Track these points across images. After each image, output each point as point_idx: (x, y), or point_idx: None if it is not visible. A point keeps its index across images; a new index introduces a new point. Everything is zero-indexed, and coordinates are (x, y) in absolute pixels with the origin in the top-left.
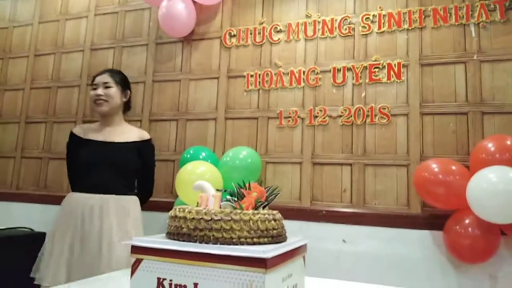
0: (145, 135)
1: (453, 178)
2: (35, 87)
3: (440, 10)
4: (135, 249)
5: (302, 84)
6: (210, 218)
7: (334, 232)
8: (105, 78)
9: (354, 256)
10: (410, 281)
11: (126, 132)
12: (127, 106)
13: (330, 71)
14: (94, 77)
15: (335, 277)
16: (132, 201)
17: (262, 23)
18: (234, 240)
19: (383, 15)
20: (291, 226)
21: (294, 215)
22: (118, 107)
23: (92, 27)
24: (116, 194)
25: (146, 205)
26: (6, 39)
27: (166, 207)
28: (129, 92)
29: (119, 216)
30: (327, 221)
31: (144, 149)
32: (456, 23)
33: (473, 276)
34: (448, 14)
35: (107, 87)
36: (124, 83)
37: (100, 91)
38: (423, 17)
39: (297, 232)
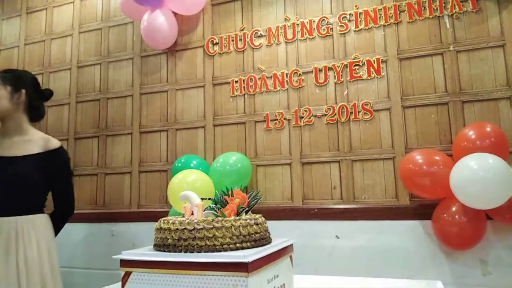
0: (51, 145)
1: (437, 168)
2: None
3: (414, 4)
4: (124, 263)
5: (286, 86)
6: (193, 228)
7: (327, 229)
8: None
9: (347, 251)
10: (404, 272)
11: (28, 144)
12: (34, 112)
13: (312, 71)
14: None
15: (330, 273)
16: (33, 221)
17: (242, 30)
18: (217, 247)
19: (360, 13)
20: (285, 226)
21: (287, 215)
22: (10, 111)
23: (77, 44)
24: (13, 215)
25: (141, 215)
26: None
27: (162, 216)
28: (23, 92)
29: (19, 240)
30: (320, 219)
31: (50, 161)
32: (431, 16)
33: (464, 262)
34: (422, 8)
35: None
36: (15, 82)
37: None
38: (398, 12)
39: (291, 232)
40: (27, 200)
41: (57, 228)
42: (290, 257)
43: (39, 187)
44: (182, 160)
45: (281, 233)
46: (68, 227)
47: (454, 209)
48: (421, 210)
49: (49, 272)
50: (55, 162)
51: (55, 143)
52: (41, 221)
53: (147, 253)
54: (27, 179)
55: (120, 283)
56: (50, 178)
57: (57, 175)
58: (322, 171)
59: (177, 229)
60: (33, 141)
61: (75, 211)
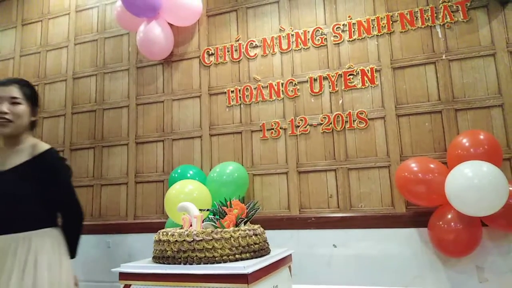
0: (38, 149)
1: (432, 176)
2: None
3: (407, 14)
4: (123, 275)
5: (282, 96)
6: (192, 240)
7: (324, 237)
8: (13, 91)
9: (345, 260)
10: (401, 280)
11: (19, 154)
12: (33, 125)
13: (307, 81)
14: None
15: (328, 282)
16: (35, 239)
17: (238, 40)
18: (216, 258)
19: (353, 24)
20: (282, 235)
21: (284, 224)
22: (24, 128)
23: (73, 56)
24: (13, 232)
25: (138, 226)
26: None
27: (159, 227)
28: (37, 109)
29: (16, 261)
30: (317, 228)
31: (38, 166)
32: (423, 26)
33: (461, 269)
34: (415, 18)
35: (14, 103)
36: (34, 98)
37: (5, 107)
38: (391, 22)
39: (288, 241)
40: (23, 215)
41: (69, 240)
42: (289, 267)
43: (33, 198)
44: (179, 171)
45: (279, 242)
46: None
47: (449, 216)
48: (417, 218)
49: None
50: (44, 166)
51: (42, 147)
52: (42, 239)
53: (146, 266)
54: (13, 191)
55: None
56: (43, 185)
57: (49, 180)
58: (319, 179)
59: (176, 241)
60: (23, 150)
61: None
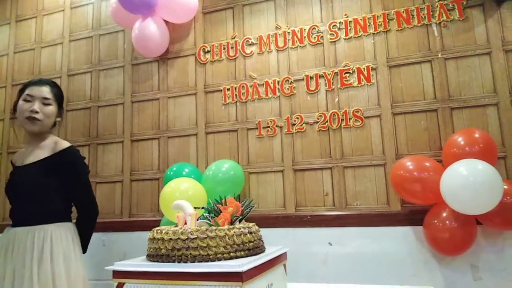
0: (60, 146)
1: (427, 174)
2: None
3: (403, 12)
4: (117, 274)
5: (278, 93)
6: (186, 238)
7: (320, 236)
8: (46, 92)
9: (341, 258)
10: (397, 278)
11: (41, 149)
12: (55, 124)
13: (303, 79)
14: (28, 85)
15: (324, 280)
16: (49, 231)
17: (234, 38)
18: (211, 256)
19: (349, 22)
20: (278, 233)
21: (280, 222)
22: (49, 127)
23: (68, 53)
24: (31, 225)
25: (133, 224)
26: None
27: (154, 226)
28: (62, 111)
29: (34, 251)
30: (312, 226)
31: (59, 162)
32: (419, 24)
33: (455, 268)
34: (411, 16)
35: (46, 104)
36: (61, 100)
37: (37, 106)
38: (387, 20)
39: (284, 239)
40: (41, 207)
41: (82, 236)
42: (284, 265)
43: (52, 192)
44: (174, 168)
45: (274, 240)
46: None
47: (444, 214)
48: (412, 216)
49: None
50: (64, 163)
51: (63, 144)
52: (58, 231)
53: (140, 264)
54: (34, 184)
55: None
56: (62, 180)
57: (68, 176)
58: (314, 178)
59: (170, 239)
60: (46, 146)
61: None
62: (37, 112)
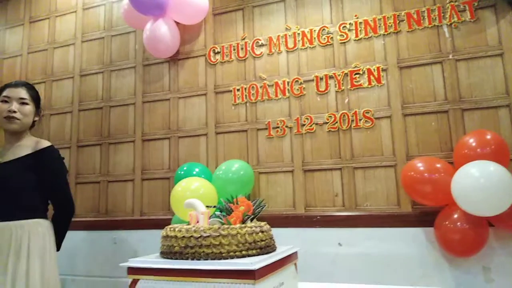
0: (40, 145)
1: (438, 176)
2: None
3: (414, 13)
4: (131, 270)
5: (287, 94)
6: (199, 236)
7: (330, 236)
8: (22, 93)
9: (350, 258)
10: (407, 279)
11: (21, 147)
12: (33, 124)
13: (313, 80)
14: (5, 87)
15: (333, 280)
16: (25, 227)
17: (244, 39)
18: (223, 254)
19: (359, 23)
20: (288, 233)
21: (290, 222)
22: (28, 126)
23: (80, 53)
24: (9, 220)
25: (144, 223)
26: None
27: (165, 224)
28: (40, 111)
29: (11, 247)
30: (322, 226)
31: (39, 160)
32: (430, 25)
33: (467, 269)
34: (421, 17)
35: (23, 103)
36: (38, 100)
37: (14, 106)
38: (398, 21)
39: (294, 239)
40: (19, 203)
41: (57, 233)
42: (295, 264)
43: (30, 189)
44: (185, 168)
45: (284, 240)
46: (70, 235)
47: (456, 216)
48: (423, 217)
49: (39, 285)
50: (44, 161)
51: (44, 143)
52: (35, 227)
53: (154, 261)
54: (15, 180)
55: None
56: (41, 178)
57: (47, 174)
58: (324, 178)
59: (183, 236)
60: (26, 145)
61: (79, 219)
62: (15, 112)
